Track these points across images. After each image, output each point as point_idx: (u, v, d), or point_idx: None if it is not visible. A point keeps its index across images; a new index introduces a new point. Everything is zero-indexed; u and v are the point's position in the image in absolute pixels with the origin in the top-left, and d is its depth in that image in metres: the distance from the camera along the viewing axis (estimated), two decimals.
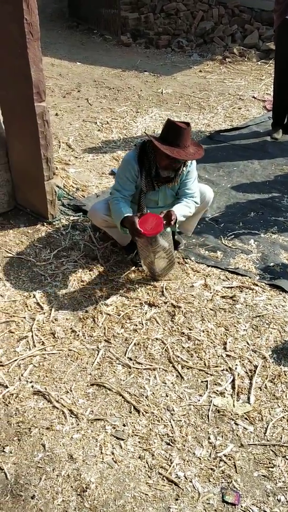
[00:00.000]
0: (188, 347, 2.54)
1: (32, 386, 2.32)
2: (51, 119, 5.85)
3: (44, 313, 2.76)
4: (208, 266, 3.14)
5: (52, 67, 7.76)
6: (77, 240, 3.37)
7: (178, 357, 2.48)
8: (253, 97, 6.46)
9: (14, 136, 3.28)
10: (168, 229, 2.81)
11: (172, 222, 2.70)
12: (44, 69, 7.53)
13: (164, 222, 2.67)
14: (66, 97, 6.43)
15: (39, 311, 2.77)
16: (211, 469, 1.97)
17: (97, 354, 2.50)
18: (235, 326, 2.66)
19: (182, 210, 2.85)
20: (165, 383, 2.35)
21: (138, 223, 2.65)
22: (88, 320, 2.72)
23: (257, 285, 2.95)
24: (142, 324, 2.68)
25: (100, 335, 2.62)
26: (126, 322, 2.70)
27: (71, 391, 2.30)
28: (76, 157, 4.63)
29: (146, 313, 2.76)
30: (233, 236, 3.46)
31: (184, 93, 6.62)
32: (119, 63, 7.97)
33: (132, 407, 2.22)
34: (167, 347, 2.53)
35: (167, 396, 2.28)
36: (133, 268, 3.12)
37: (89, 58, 8.33)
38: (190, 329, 2.64)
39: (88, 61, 8.15)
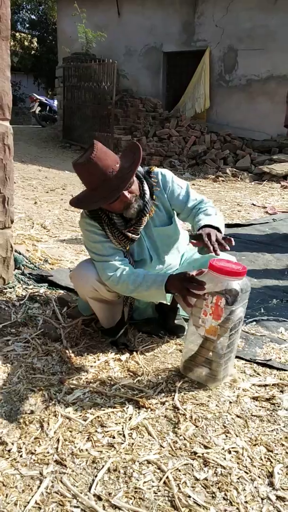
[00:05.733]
0: (206, 478, 1.40)
1: None
2: (27, 206, 5.18)
3: None
4: None
5: (39, 172, 7.41)
6: (34, 315, 2.35)
7: (189, 497, 1.33)
8: (253, 204, 5.98)
9: None
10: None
11: (206, 237, 1.74)
12: (29, 172, 7.16)
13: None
14: (49, 192, 5.87)
15: None
16: None
17: (38, 488, 1.34)
18: (282, 444, 1.55)
19: (210, 218, 1.91)
20: None
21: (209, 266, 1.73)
22: (33, 425, 1.60)
23: None
24: (124, 436, 1.56)
25: (48, 453, 1.48)
26: (96, 431, 1.58)
27: None
28: (51, 236, 3.80)
29: (130, 418, 1.65)
30: (254, 322, 2.48)
31: None
32: None
33: None
34: (167, 477, 1.39)
35: None
36: (114, 354, 2.08)
37: None
38: (206, 447, 1.52)
39: None
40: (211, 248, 1.70)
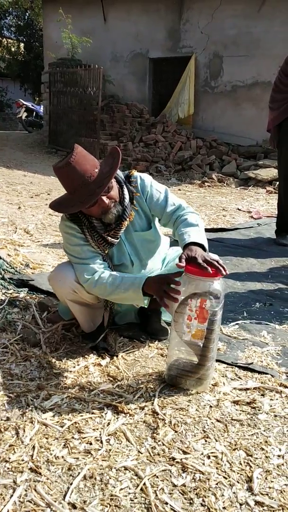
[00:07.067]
0: (184, 484, 1.37)
1: None
2: (11, 211, 5.13)
3: None
4: None
5: (24, 177, 7.37)
6: (13, 320, 2.31)
7: (166, 503, 1.30)
8: (238, 209, 6.00)
9: None
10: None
11: (200, 259, 1.68)
12: (14, 177, 7.10)
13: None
14: (33, 197, 5.82)
15: None
16: None
17: (11, 497, 1.30)
18: (262, 449, 1.53)
19: (193, 232, 1.86)
20: None
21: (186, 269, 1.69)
22: (8, 432, 1.56)
23: (286, 386, 1.88)
24: (101, 442, 1.53)
25: (23, 460, 1.44)
26: (73, 437, 1.55)
27: None
28: (33, 241, 3.76)
29: (108, 423, 1.62)
30: (236, 326, 2.47)
31: None
32: None
33: None
34: (144, 483, 1.36)
35: None
36: (94, 359, 2.04)
37: None
38: (185, 452, 1.50)
39: None
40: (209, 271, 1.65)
